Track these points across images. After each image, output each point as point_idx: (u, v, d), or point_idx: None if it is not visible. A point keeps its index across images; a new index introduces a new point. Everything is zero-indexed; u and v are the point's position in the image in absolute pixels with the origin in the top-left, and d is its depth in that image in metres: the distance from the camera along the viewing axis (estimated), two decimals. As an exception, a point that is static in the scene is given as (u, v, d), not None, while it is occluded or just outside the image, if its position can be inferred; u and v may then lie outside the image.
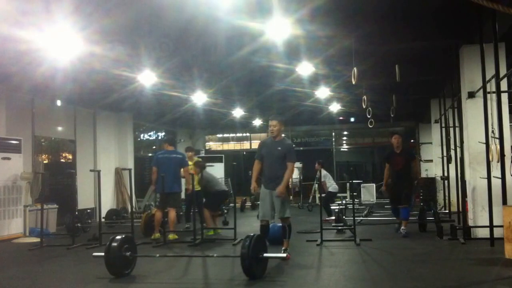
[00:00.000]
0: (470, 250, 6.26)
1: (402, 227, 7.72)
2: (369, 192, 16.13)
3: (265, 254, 4.93)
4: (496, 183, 6.09)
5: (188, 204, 9.57)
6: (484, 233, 6.57)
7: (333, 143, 19.63)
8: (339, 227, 8.36)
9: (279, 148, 5.98)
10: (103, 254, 5.00)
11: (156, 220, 8.07)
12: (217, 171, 14.05)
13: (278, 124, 6.05)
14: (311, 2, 5.67)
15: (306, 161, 17.10)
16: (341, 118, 16.52)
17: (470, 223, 7.07)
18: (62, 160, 12.63)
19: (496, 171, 6.09)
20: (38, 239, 8.06)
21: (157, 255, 6.06)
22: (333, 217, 9.67)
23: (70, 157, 12.41)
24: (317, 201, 14.39)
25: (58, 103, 11.39)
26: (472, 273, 4.98)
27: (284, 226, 6.10)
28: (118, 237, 5.10)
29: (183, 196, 9.48)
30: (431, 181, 13.40)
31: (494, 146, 6.01)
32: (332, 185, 11.02)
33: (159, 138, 17.49)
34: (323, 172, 10.96)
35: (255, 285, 4.63)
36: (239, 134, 20.33)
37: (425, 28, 7.00)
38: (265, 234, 5.90)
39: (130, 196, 10.23)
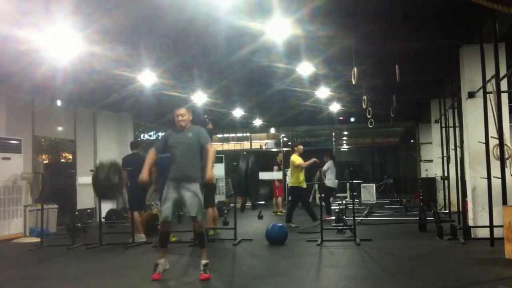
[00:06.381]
0: (470, 250, 6.26)
1: None
2: (369, 192, 16.12)
3: None
4: (496, 183, 6.10)
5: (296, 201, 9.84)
6: (484, 233, 6.58)
7: (333, 143, 19.64)
8: (339, 227, 8.37)
9: (190, 135, 5.18)
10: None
11: None
12: (217, 171, 14.01)
13: (187, 113, 5.26)
14: (311, 2, 5.67)
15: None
16: (341, 118, 16.51)
17: (470, 223, 7.06)
18: (62, 160, 12.63)
19: (496, 171, 6.10)
20: (38, 239, 8.07)
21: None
22: (333, 217, 9.67)
23: (70, 157, 12.41)
24: (317, 201, 14.40)
25: (58, 103, 11.39)
26: (472, 273, 4.98)
27: (201, 233, 5.06)
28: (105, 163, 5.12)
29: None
30: (431, 181, 13.39)
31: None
32: (331, 180, 10.89)
33: (159, 138, 17.49)
34: (329, 164, 10.98)
35: (256, 285, 4.63)
36: (239, 134, 20.32)
37: (425, 28, 6.99)
38: (166, 242, 5.19)
39: (131, 196, 10.23)
